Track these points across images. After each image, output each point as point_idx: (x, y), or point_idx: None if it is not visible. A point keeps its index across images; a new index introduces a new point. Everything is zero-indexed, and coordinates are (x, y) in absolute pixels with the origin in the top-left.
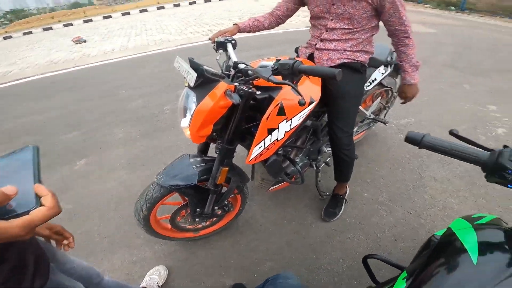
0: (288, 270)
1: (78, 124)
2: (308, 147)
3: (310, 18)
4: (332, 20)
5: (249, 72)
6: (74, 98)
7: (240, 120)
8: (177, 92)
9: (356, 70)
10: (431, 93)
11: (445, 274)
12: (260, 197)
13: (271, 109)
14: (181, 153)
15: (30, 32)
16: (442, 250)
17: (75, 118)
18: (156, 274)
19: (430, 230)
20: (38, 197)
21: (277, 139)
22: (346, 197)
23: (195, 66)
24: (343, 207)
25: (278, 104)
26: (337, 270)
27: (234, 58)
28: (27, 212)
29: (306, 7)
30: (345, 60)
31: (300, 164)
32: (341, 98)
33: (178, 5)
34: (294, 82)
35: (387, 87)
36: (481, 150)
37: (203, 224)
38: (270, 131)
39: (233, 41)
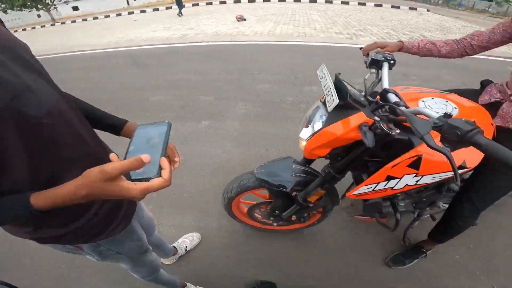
0: None
1: (215, 90)
2: (422, 196)
3: None
4: None
5: (398, 111)
6: (221, 68)
7: (362, 156)
8: (302, 88)
9: None
10: None
11: None
12: (340, 216)
13: (404, 158)
14: (287, 148)
15: (211, 3)
16: None
17: (215, 85)
18: (189, 239)
19: None
20: (160, 169)
21: (392, 187)
22: (427, 253)
23: (339, 86)
24: (416, 260)
25: (416, 156)
26: None
27: (386, 83)
28: (148, 179)
29: None
30: None
31: (402, 210)
32: (498, 174)
33: (330, 2)
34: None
35: None
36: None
37: (274, 224)
38: (388, 178)
39: (392, 61)
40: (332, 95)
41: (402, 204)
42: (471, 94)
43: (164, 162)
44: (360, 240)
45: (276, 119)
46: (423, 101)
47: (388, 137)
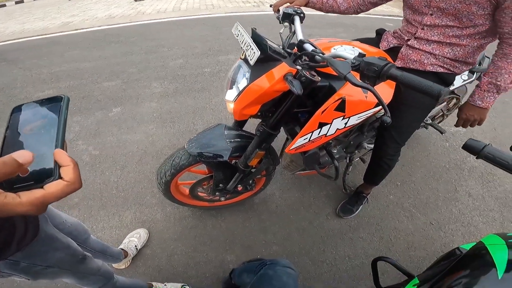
0: (293, 258)
1: (121, 74)
2: (349, 139)
3: (404, 9)
4: (431, 15)
5: (317, 57)
6: (122, 51)
7: (291, 107)
8: (218, 57)
9: (446, 83)
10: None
11: (467, 286)
12: (282, 177)
13: (330, 103)
14: (213, 117)
15: None
16: (469, 263)
17: (119, 69)
18: (136, 237)
19: (446, 244)
20: (57, 166)
21: (325, 134)
22: (368, 197)
23: (257, 39)
24: (361, 206)
25: (340, 99)
26: (340, 267)
27: (300, 35)
28: (41, 185)
29: None
30: (439, 69)
31: (336, 156)
32: (412, 108)
33: None
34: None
35: (455, 94)
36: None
37: (221, 198)
38: (320, 125)
39: (302, 14)
40: (252, 49)
41: (335, 151)
42: (371, 42)
43: (62, 156)
44: (308, 195)
45: (198, 91)
46: (334, 48)
47: (313, 84)
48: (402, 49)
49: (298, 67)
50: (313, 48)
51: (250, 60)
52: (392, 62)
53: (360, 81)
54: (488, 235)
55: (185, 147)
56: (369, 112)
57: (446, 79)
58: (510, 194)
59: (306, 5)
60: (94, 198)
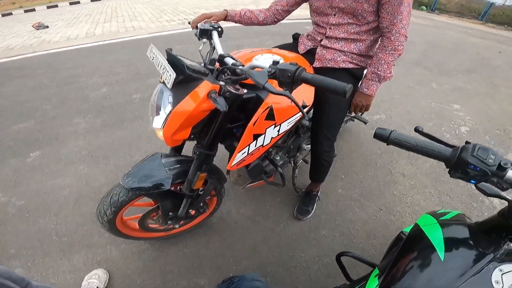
0: (265, 269)
1: (33, 113)
2: (289, 144)
3: (311, 14)
4: (335, 15)
5: (238, 71)
6: (30, 85)
7: (223, 125)
8: (147, 81)
9: (357, 78)
10: (401, 91)
11: (415, 271)
12: (235, 193)
13: (259, 113)
14: (151, 146)
15: None
16: (411, 247)
17: (30, 107)
18: (95, 278)
19: (399, 227)
20: None
21: (262, 144)
22: (319, 195)
23: (173, 60)
24: (315, 204)
25: (268, 108)
26: (313, 268)
27: (220, 50)
28: None
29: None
30: (350, 65)
31: (280, 163)
32: (333, 106)
33: None
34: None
35: None
36: (444, 146)
37: (176, 226)
38: (255, 137)
39: (219, 29)
40: (168, 71)
41: (278, 158)
42: (290, 47)
43: None
44: (264, 205)
45: (129, 121)
46: (255, 59)
47: (238, 98)
48: (317, 50)
49: (221, 82)
50: (233, 61)
51: (168, 83)
52: (309, 64)
53: (278, 88)
54: (422, 216)
55: (121, 183)
56: (297, 116)
57: (356, 74)
58: (437, 169)
59: (225, 19)
60: (33, 247)
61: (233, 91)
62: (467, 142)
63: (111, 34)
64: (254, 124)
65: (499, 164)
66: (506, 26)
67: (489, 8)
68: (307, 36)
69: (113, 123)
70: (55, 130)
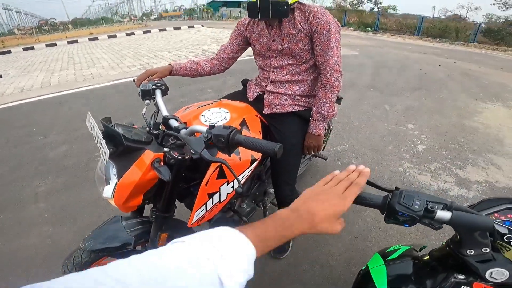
0: None
1: None
2: (254, 191)
3: (255, 58)
4: (276, 57)
5: (180, 136)
6: None
7: (174, 190)
8: None
9: (306, 120)
10: (359, 117)
11: None
12: None
13: (210, 173)
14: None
15: None
16: None
17: None
18: None
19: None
20: None
21: (219, 201)
22: None
23: (111, 132)
24: (291, 241)
25: (218, 167)
26: None
27: (164, 111)
28: None
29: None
30: (297, 108)
31: (247, 211)
32: (286, 152)
33: (114, 36)
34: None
35: None
36: (377, 195)
37: None
38: (210, 195)
39: (162, 87)
40: (102, 147)
41: (244, 206)
42: (240, 95)
43: None
44: None
45: (93, 180)
46: (202, 115)
47: (184, 163)
48: (265, 95)
49: (165, 149)
50: (177, 124)
51: (104, 160)
52: (256, 114)
53: (215, 156)
54: (373, 255)
55: (81, 246)
56: (248, 171)
57: (304, 115)
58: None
59: (170, 74)
60: None
61: (178, 157)
62: (396, 188)
63: (68, 83)
64: (206, 184)
65: (426, 208)
66: (440, 38)
67: (422, 23)
68: (255, 81)
69: (76, 183)
70: (13, 195)
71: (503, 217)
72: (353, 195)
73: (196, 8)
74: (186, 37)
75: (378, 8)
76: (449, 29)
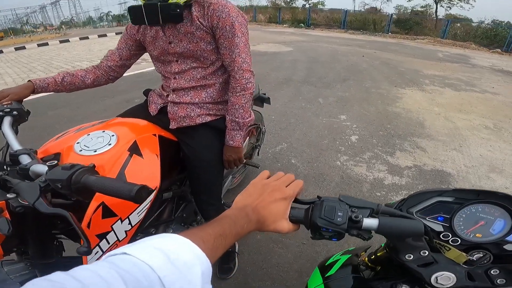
0: None
1: None
2: (180, 214)
3: (154, 64)
4: (177, 61)
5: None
6: None
7: (41, 234)
8: None
9: (221, 130)
10: (296, 113)
11: None
12: None
13: (91, 214)
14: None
15: None
16: None
17: None
18: None
19: (327, 255)
20: None
21: (118, 240)
22: (236, 250)
23: None
24: (236, 259)
25: (99, 206)
26: None
27: (14, 145)
28: None
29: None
30: (208, 118)
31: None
32: (203, 170)
33: (23, 48)
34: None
35: (253, 124)
36: (299, 209)
37: None
38: (101, 236)
39: (14, 112)
40: None
41: (171, 232)
42: (142, 110)
43: None
44: None
45: None
46: (78, 142)
47: (37, 210)
48: (168, 108)
49: (9, 195)
50: (29, 160)
51: None
52: (158, 131)
53: (52, 207)
54: (313, 272)
55: None
56: (147, 203)
57: (217, 126)
58: (344, 186)
59: (34, 93)
60: None
61: (26, 204)
62: (318, 197)
63: None
64: (88, 226)
65: (350, 218)
66: (361, 30)
67: (346, 16)
68: (158, 91)
69: None
70: None
71: (436, 215)
72: (297, 189)
73: (126, 14)
74: (113, 44)
75: (309, 4)
76: (368, 22)
